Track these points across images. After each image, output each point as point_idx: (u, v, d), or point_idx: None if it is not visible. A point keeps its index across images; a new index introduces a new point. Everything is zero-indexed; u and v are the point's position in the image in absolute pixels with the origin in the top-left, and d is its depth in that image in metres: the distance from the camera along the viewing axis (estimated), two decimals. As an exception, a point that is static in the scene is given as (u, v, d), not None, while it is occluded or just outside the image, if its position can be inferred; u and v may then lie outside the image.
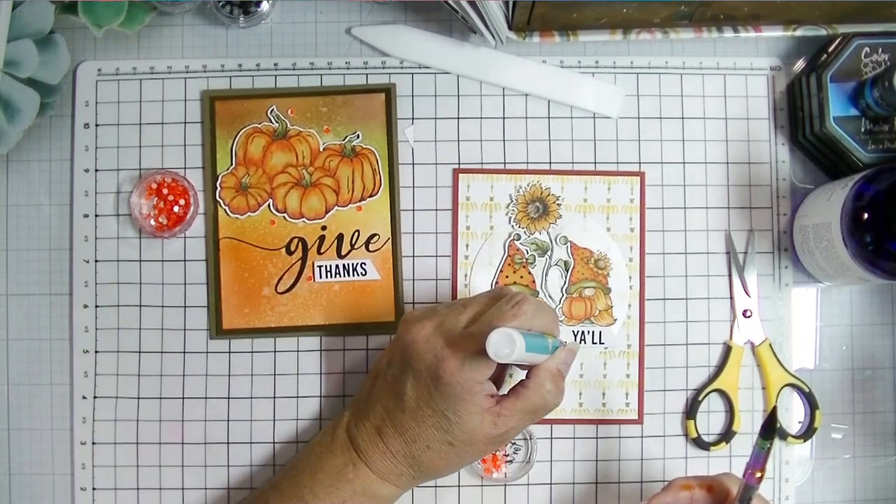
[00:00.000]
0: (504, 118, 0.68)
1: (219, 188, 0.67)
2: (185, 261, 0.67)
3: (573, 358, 0.60)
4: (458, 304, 0.58)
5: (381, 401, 0.58)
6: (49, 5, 0.64)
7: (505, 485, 0.66)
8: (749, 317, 0.67)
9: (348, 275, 0.67)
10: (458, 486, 0.66)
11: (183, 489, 0.66)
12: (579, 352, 0.66)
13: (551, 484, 0.66)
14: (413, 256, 0.67)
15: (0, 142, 0.65)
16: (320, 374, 0.67)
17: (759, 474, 0.53)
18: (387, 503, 0.60)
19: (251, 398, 0.67)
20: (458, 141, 0.68)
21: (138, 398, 0.66)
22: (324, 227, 0.67)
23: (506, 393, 0.57)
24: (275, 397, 0.67)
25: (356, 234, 0.67)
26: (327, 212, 0.67)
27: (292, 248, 0.67)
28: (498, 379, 0.61)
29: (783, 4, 0.64)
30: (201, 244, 0.67)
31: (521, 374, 0.59)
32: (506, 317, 0.55)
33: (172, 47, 0.68)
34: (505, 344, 0.51)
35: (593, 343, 0.67)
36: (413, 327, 0.57)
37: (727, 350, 0.67)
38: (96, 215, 0.67)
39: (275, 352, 0.67)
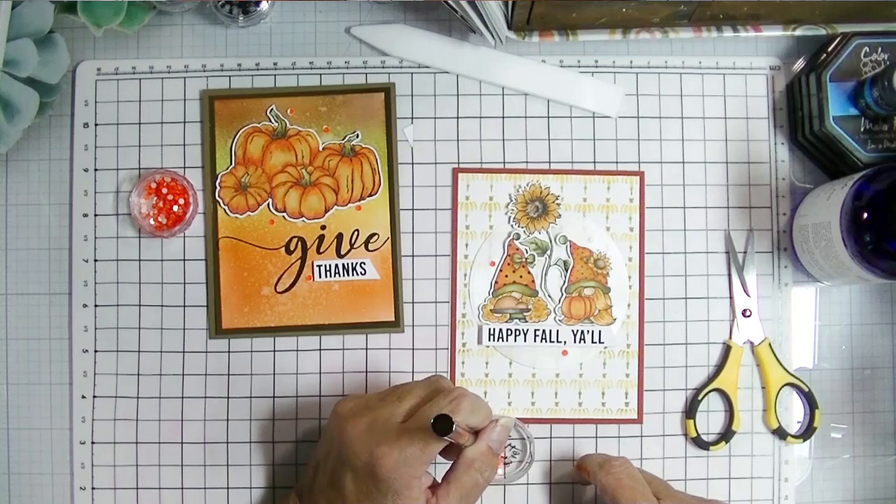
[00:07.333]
0: (503, 117, 0.68)
1: (218, 187, 0.67)
2: (184, 260, 0.67)
3: (507, 434, 0.59)
4: (392, 397, 0.58)
5: (323, 493, 0.58)
6: (49, 5, 0.64)
7: (504, 485, 0.66)
8: (748, 316, 0.67)
9: (348, 274, 0.67)
10: (458, 485, 0.66)
11: (182, 489, 0.66)
12: (578, 353, 0.66)
13: (550, 483, 0.66)
14: (412, 256, 0.67)
15: (-1, 141, 0.65)
16: (319, 373, 0.67)
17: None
18: None
19: (250, 398, 0.67)
20: (458, 140, 0.68)
21: (137, 397, 0.66)
22: (323, 227, 0.67)
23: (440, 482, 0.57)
24: (274, 397, 0.67)
25: (355, 233, 0.67)
26: (327, 211, 0.67)
27: (292, 248, 0.67)
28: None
29: (782, 4, 0.64)
30: (201, 243, 0.67)
31: None
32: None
33: (172, 47, 0.68)
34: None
35: (593, 343, 0.67)
36: (347, 425, 0.57)
37: (727, 349, 0.67)
38: (96, 215, 0.67)
39: (274, 351, 0.67)
